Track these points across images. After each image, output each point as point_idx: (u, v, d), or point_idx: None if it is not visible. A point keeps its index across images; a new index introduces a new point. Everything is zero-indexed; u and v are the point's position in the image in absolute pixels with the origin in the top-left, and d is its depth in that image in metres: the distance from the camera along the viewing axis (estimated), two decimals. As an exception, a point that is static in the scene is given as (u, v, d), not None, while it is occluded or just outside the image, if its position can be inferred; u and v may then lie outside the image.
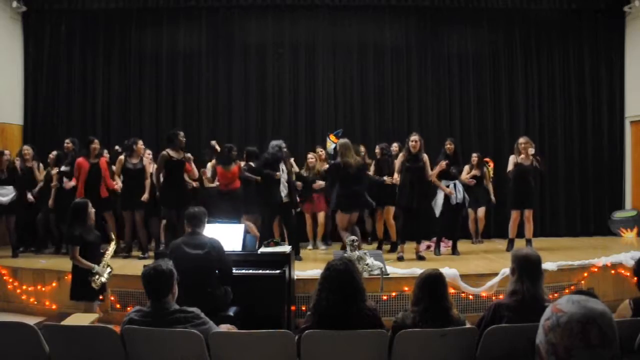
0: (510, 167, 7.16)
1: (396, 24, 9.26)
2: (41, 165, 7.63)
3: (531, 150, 7.00)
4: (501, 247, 7.52)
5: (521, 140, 7.13)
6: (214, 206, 6.82)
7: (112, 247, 4.98)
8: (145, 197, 6.90)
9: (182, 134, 6.78)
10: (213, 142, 7.64)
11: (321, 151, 8.02)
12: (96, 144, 7.00)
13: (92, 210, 4.78)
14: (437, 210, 7.05)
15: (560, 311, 1.37)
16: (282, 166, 6.85)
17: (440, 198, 7.02)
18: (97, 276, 4.57)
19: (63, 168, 7.32)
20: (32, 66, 9.08)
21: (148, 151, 7.51)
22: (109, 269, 4.71)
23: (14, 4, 8.68)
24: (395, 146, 7.77)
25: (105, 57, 9.12)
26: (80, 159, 6.91)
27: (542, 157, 7.48)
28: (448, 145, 7.07)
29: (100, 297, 4.86)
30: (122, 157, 7.12)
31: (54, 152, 7.58)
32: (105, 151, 7.59)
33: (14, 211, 7.05)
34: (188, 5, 9.10)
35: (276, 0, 9.13)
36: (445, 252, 7.18)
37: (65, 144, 7.49)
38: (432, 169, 6.77)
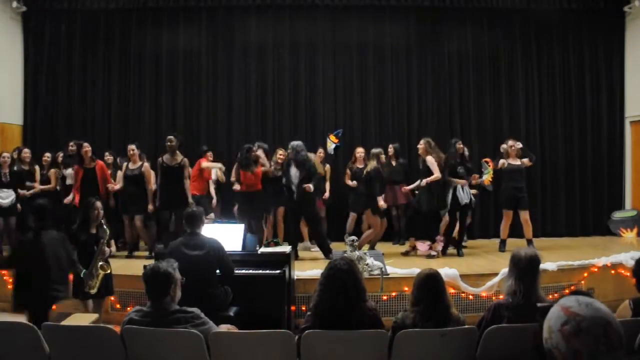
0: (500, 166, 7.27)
1: (396, 24, 9.25)
2: (37, 167, 7.58)
3: (518, 145, 7.24)
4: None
5: (511, 142, 7.30)
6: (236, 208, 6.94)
7: None
8: (150, 208, 6.93)
9: (169, 137, 6.81)
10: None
11: (321, 152, 8.00)
12: (86, 147, 6.96)
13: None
14: (444, 210, 7.00)
15: (577, 315, 1.36)
16: (293, 170, 6.75)
17: (448, 198, 7.00)
18: None
19: (67, 170, 7.32)
20: (32, 66, 9.08)
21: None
22: None
23: (14, 4, 8.68)
24: (390, 148, 7.80)
25: (105, 57, 9.12)
26: (76, 167, 6.96)
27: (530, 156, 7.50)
28: (458, 145, 7.13)
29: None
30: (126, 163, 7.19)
31: (59, 154, 7.62)
32: (107, 154, 7.66)
33: (14, 213, 7.09)
34: (188, 5, 9.11)
35: (276, 0, 9.13)
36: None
37: (70, 147, 7.50)
38: (442, 169, 6.85)
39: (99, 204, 4.85)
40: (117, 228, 7.28)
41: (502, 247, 7.30)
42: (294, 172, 6.73)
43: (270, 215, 7.31)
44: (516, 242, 7.21)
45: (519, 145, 7.32)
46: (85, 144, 7.02)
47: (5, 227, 7.04)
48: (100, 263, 4.62)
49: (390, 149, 7.86)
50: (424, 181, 6.66)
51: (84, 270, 4.54)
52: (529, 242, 7.17)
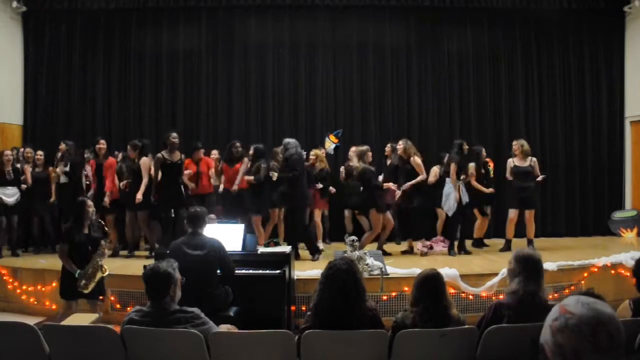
0: (508, 172, 7.35)
1: (396, 24, 9.26)
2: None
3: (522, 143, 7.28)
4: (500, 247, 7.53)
5: (514, 142, 7.37)
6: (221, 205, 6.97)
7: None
8: (138, 197, 6.76)
9: (173, 134, 6.77)
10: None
11: (322, 151, 7.99)
12: (102, 144, 7.15)
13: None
14: (450, 211, 6.98)
15: (569, 312, 1.36)
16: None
17: (452, 197, 6.98)
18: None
19: (61, 169, 7.31)
20: (32, 66, 9.10)
21: None
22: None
23: (14, 4, 8.69)
24: (388, 148, 7.80)
25: (105, 57, 9.13)
26: (91, 161, 7.16)
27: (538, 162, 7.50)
28: (465, 147, 7.17)
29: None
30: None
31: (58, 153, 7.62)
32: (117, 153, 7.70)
33: (17, 211, 7.10)
34: (188, 5, 9.12)
35: (276, 0, 9.14)
36: (444, 251, 7.20)
37: (60, 147, 7.47)
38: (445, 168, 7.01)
39: (89, 202, 4.87)
40: (122, 227, 7.26)
41: (505, 247, 7.28)
42: None
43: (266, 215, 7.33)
44: (516, 242, 7.22)
45: (523, 143, 7.31)
46: (102, 141, 7.26)
47: (8, 225, 7.03)
48: (100, 264, 4.62)
49: (388, 148, 7.83)
50: (410, 187, 6.76)
51: (79, 271, 4.54)
52: (530, 242, 7.19)
